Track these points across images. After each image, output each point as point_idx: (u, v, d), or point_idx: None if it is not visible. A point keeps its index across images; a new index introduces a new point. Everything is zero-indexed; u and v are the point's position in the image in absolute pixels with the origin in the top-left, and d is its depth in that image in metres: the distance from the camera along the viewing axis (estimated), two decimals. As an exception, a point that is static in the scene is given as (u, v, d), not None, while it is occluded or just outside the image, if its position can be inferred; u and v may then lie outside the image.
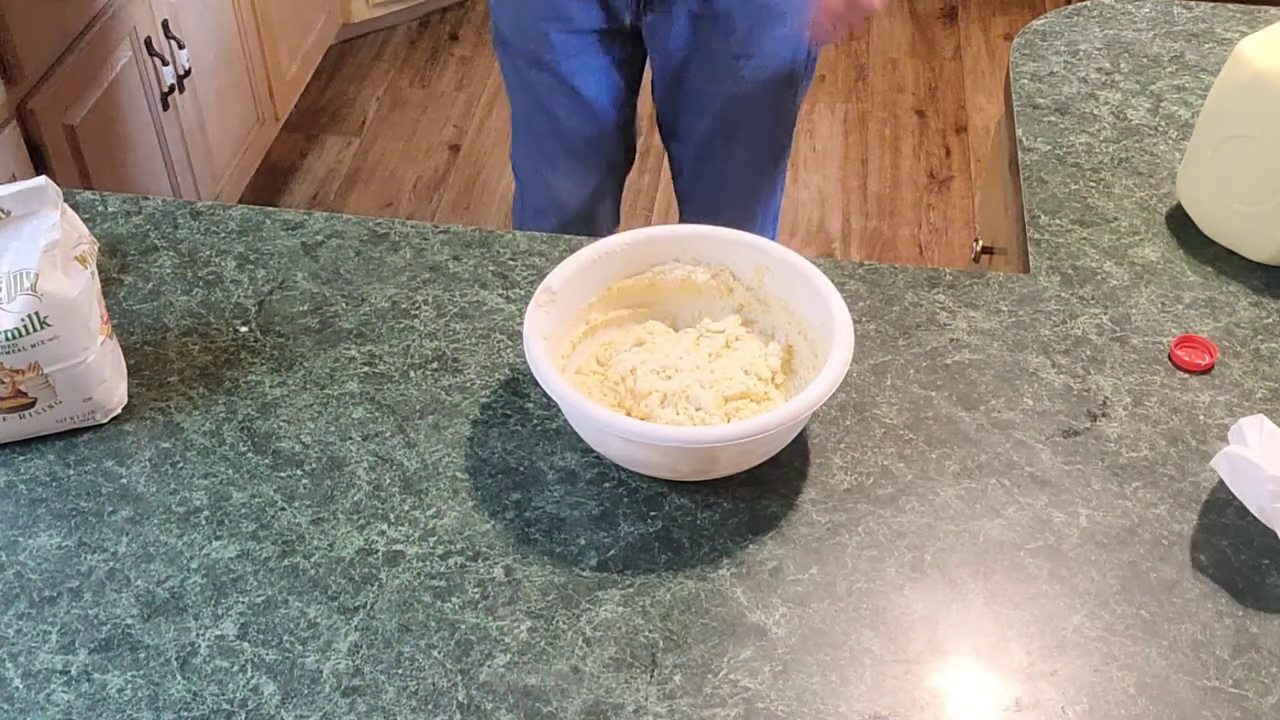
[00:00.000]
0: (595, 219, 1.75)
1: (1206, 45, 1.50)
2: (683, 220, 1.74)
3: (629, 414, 1.01)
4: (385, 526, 0.96)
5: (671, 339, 1.07)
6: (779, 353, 1.05)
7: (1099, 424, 1.04)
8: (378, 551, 0.94)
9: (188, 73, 2.35)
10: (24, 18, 1.88)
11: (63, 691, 0.86)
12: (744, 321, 1.08)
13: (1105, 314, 1.14)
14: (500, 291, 1.15)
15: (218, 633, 0.89)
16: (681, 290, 1.09)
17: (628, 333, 1.08)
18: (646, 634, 0.89)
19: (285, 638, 0.89)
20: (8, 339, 0.94)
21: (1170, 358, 1.10)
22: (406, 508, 0.97)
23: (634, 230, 1.07)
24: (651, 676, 0.87)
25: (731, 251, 1.07)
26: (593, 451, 1.01)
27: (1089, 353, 1.11)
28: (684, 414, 0.99)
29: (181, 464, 1.00)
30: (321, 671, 0.87)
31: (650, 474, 0.99)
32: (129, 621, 0.90)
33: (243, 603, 0.91)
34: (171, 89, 2.30)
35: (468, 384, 1.07)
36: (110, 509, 0.97)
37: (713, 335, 1.07)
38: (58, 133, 1.97)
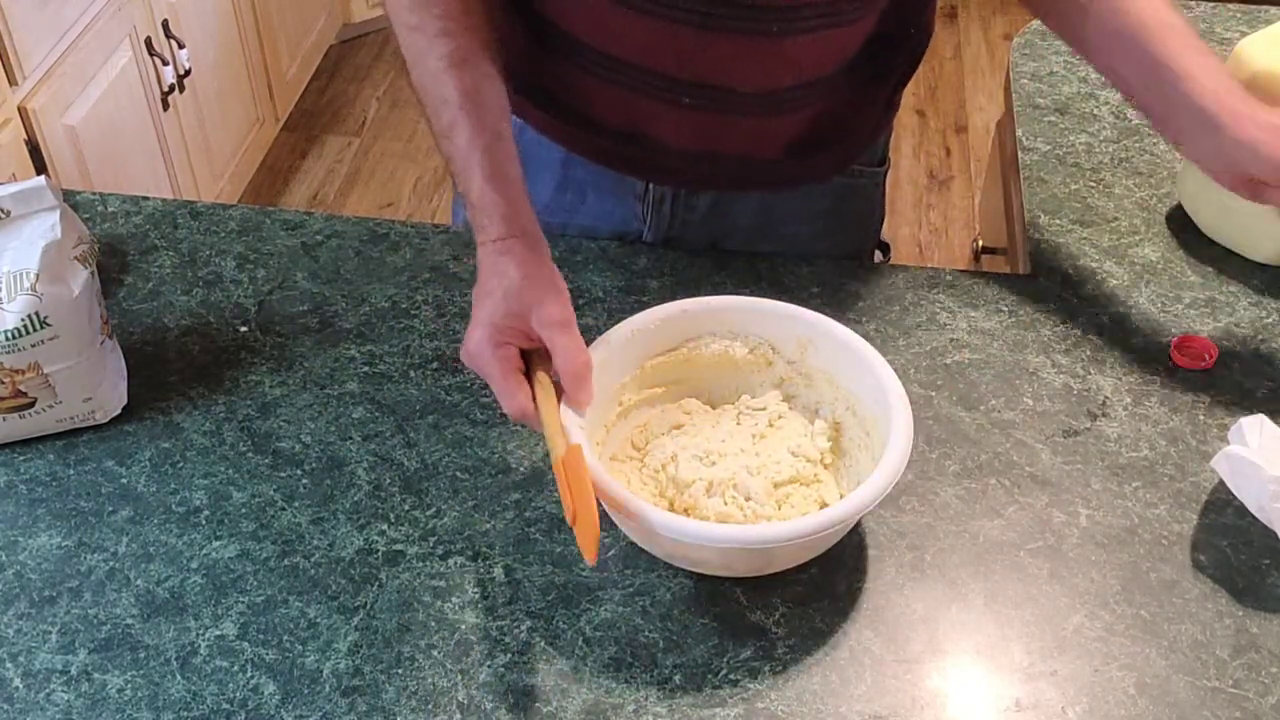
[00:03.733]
0: None
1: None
2: None
3: (671, 505, 0.94)
4: (385, 526, 0.96)
5: (711, 420, 1.00)
6: (826, 431, 0.98)
7: (1099, 424, 1.04)
8: (378, 551, 0.94)
9: (188, 73, 2.35)
10: (24, 18, 1.88)
11: (63, 691, 0.86)
12: (786, 397, 1.01)
13: (1105, 314, 1.14)
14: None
15: (218, 632, 0.89)
16: (718, 365, 1.01)
17: (664, 414, 1.01)
18: (646, 634, 0.89)
19: (285, 638, 0.89)
20: (8, 339, 0.94)
21: (1170, 358, 1.10)
22: (406, 508, 0.97)
23: (667, 304, 1.00)
24: (651, 676, 0.87)
25: (771, 324, 1.00)
26: (593, 451, 1.01)
27: (1089, 353, 1.11)
28: (732, 504, 0.92)
29: (181, 464, 1.00)
30: (321, 671, 0.87)
31: (697, 570, 0.92)
32: (129, 621, 0.90)
33: (243, 603, 0.91)
34: (171, 89, 2.30)
35: (468, 384, 1.07)
36: (110, 509, 0.97)
37: (754, 414, 1.00)
38: (58, 133, 1.97)
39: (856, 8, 1.03)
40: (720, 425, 0.99)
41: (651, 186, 1.18)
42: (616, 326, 0.98)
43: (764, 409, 1.00)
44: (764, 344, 1.01)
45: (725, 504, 0.92)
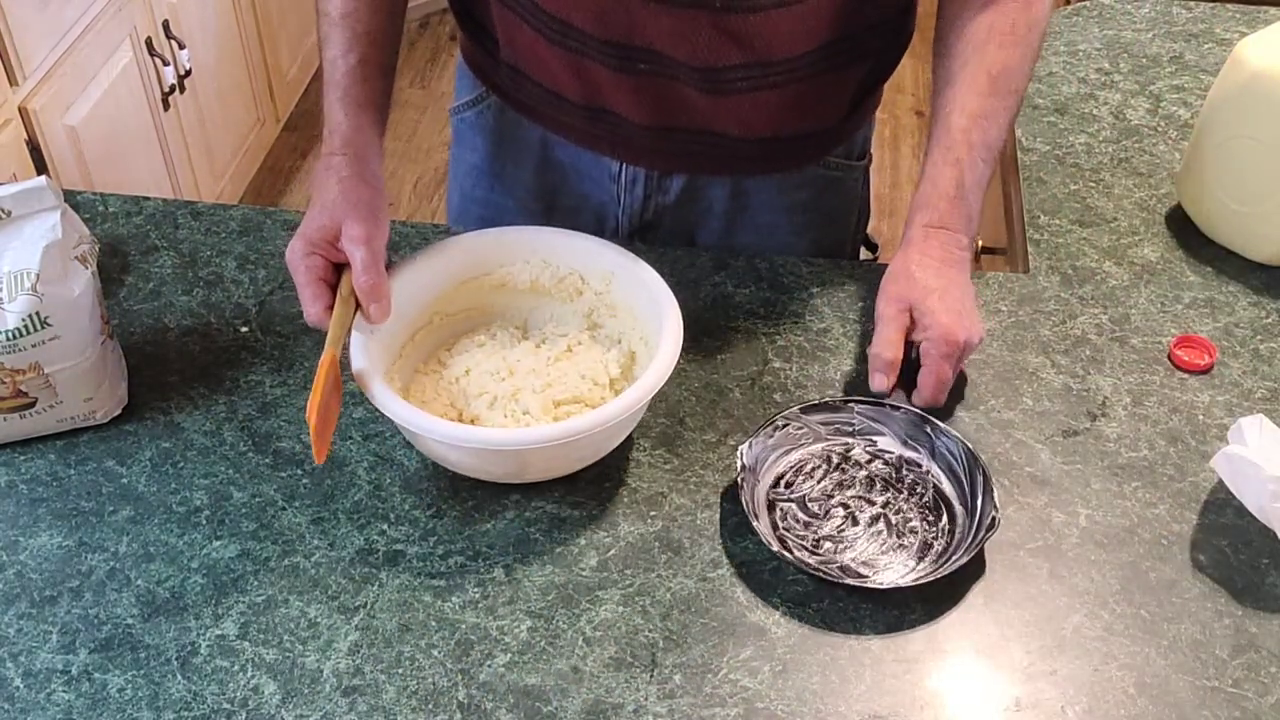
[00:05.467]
0: None
1: (1206, 45, 1.50)
2: None
3: (460, 415, 1.00)
4: (385, 526, 0.96)
5: (512, 340, 1.06)
6: (620, 359, 1.03)
7: (1098, 424, 1.04)
8: (378, 551, 0.94)
9: (188, 73, 2.35)
10: (25, 18, 1.88)
11: (63, 691, 0.86)
12: (591, 326, 1.07)
13: (1105, 314, 1.14)
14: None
15: (218, 632, 0.89)
16: (531, 292, 1.08)
17: (471, 333, 1.08)
18: (646, 634, 0.89)
19: (285, 637, 0.89)
20: (8, 339, 0.94)
21: (1170, 358, 1.10)
22: (406, 508, 0.97)
23: (484, 230, 1.08)
24: (651, 676, 0.87)
25: (582, 255, 1.06)
26: (593, 451, 1.01)
27: (1088, 353, 1.11)
28: (510, 417, 0.99)
29: (182, 464, 1.01)
30: (322, 671, 0.87)
31: (466, 474, 0.98)
32: (129, 621, 0.90)
33: (243, 602, 0.91)
34: (172, 89, 2.30)
35: (468, 384, 1.07)
36: (111, 509, 0.97)
37: (555, 339, 1.06)
38: (58, 133, 1.97)
39: None
40: (519, 346, 1.05)
41: (625, 168, 1.20)
42: (434, 244, 1.06)
43: (565, 335, 1.06)
44: (574, 274, 1.07)
45: (505, 417, 0.99)
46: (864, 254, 1.35)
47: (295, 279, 1.00)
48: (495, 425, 0.98)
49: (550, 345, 1.05)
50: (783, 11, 1.03)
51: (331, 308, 0.98)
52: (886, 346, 1.01)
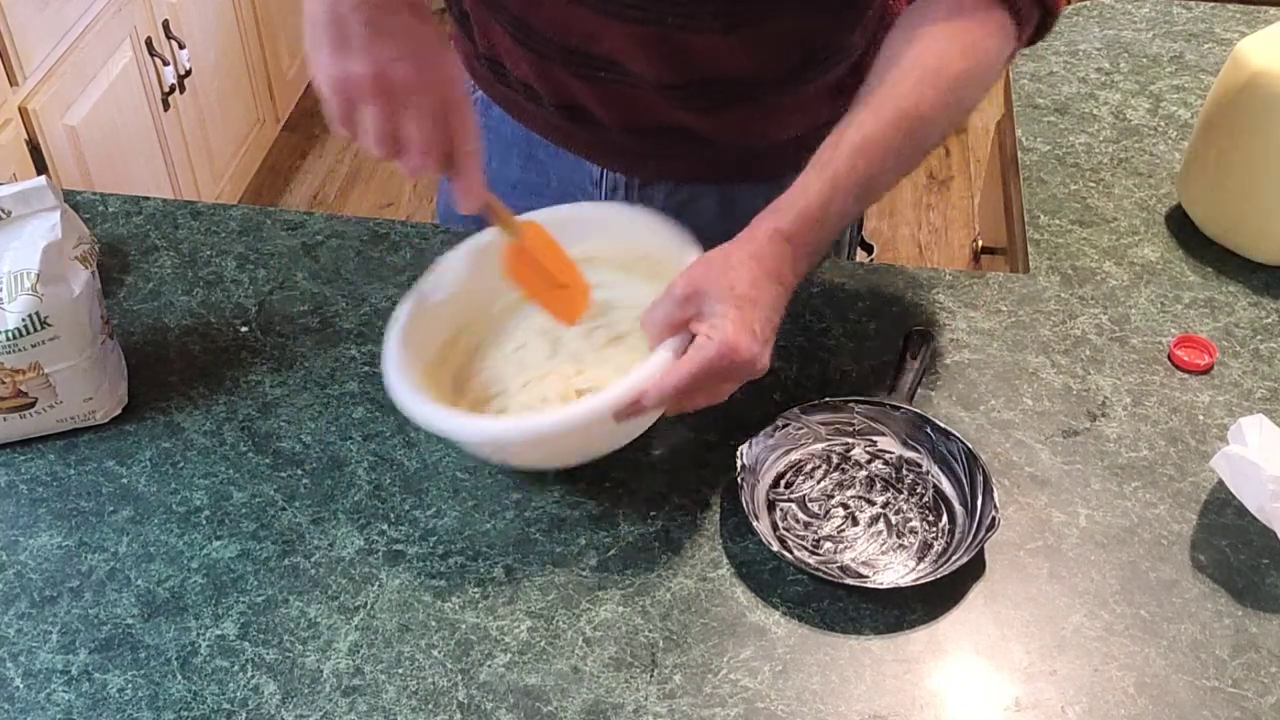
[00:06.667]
0: None
1: (1206, 45, 1.50)
2: None
3: (489, 396, 1.00)
4: (385, 526, 0.96)
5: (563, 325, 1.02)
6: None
7: (1098, 424, 1.04)
8: (378, 551, 0.94)
9: (188, 73, 2.35)
10: (25, 18, 1.88)
11: (63, 691, 0.86)
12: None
13: (1105, 314, 1.14)
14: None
15: (218, 632, 0.89)
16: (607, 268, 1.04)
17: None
18: (646, 634, 0.89)
19: (285, 637, 0.89)
20: (8, 339, 0.94)
21: (1170, 358, 1.10)
22: (406, 508, 0.97)
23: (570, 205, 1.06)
24: (651, 676, 0.87)
25: (662, 238, 1.00)
26: (593, 451, 1.01)
27: (1088, 353, 1.11)
28: (534, 397, 0.98)
29: (182, 464, 1.01)
30: (322, 671, 0.87)
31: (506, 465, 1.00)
32: (129, 621, 0.90)
33: (243, 602, 0.91)
34: (172, 89, 2.31)
35: (468, 384, 1.07)
36: (111, 509, 0.97)
37: (608, 325, 1.02)
38: (58, 133, 1.97)
39: (758, 13, 1.00)
40: (570, 332, 1.02)
41: (605, 174, 1.18)
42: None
43: (617, 322, 1.02)
44: (649, 256, 1.01)
45: (529, 399, 0.98)
46: (860, 255, 1.35)
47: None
48: (517, 408, 0.98)
49: (603, 333, 1.01)
50: (739, 35, 1.01)
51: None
52: (651, 325, 0.91)
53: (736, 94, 1.07)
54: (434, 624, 0.90)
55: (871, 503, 0.98)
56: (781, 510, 0.97)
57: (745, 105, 1.09)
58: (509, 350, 1.03)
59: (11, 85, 1.88)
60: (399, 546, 0.95)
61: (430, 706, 0.85)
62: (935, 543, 0.95)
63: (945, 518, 0.97)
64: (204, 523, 0.96)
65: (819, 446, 1.02)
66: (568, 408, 0.93)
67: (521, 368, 1.01)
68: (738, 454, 0.97)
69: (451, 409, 0.94)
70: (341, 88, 0.88)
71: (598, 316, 1.03)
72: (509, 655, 0.88)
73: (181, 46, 2.32)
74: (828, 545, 0.95)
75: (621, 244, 1.03)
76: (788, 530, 0.96)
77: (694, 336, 0.89)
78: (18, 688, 0.86)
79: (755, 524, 0.93)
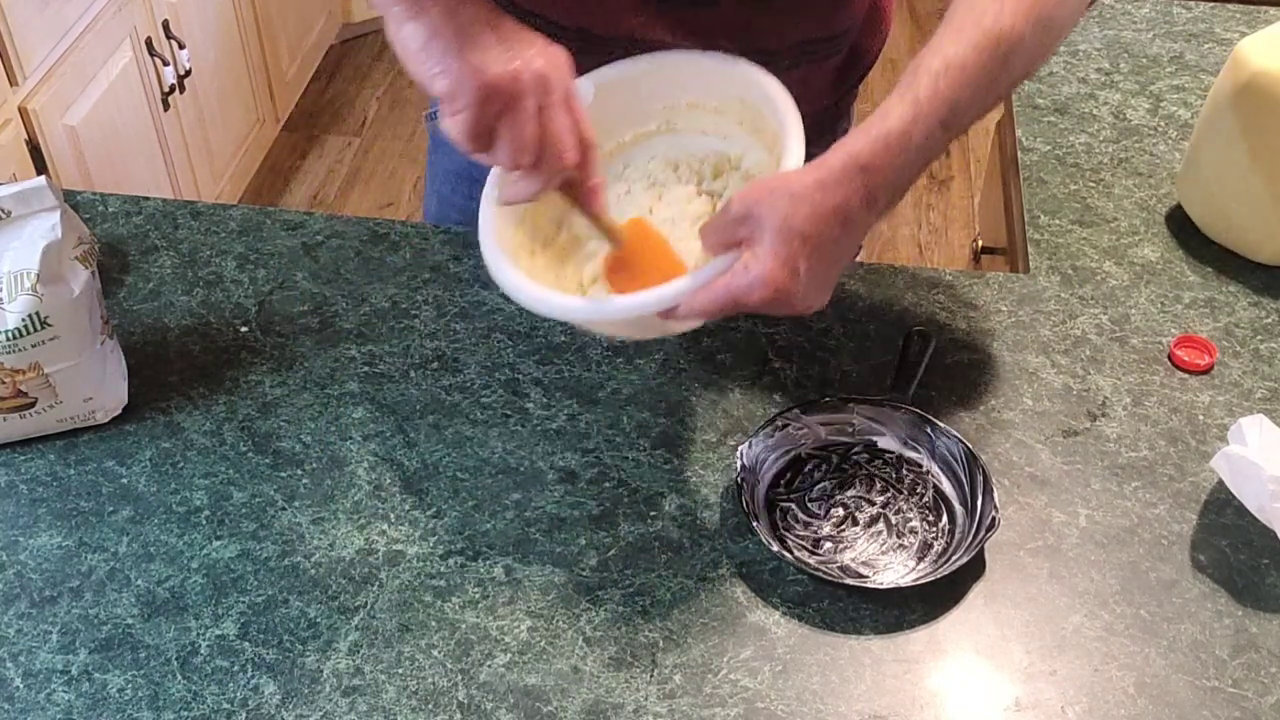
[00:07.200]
0: None
1: (1206, 45, 1.50)
2: None
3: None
4: (385, 526, 0.96)
5: (682, 190, 1.00)
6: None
7: (1098, 424, 1.04)
8: (378, 551, 0.94)
9: (188, 73, 2.35)
10: (24, 18, 1.88)
11: (63, 691, 0.86)
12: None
13: (1105, 314, 1.14)
14: (500, 291, 1.15)
15: (218, 632, 0.89)
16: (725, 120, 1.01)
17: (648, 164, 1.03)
18: (646, 634, 0.89)
19: (285, 637, 0.89)
20: (8, 339, 0.94)
21: (1170, 358, 1.10)
22: (406, 508, 0.97)
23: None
24: (651, 676, 0.87)
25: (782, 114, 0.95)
26: (593, 451, 1.01)
27: (1089, 353, 1.11)
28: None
29: (182, 464, 1.01)
30: (321, 671, 0.87)
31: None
32: (129, 621, 0.90)
33: (243, 602, 0.91)
34: (172, 89, 2.30)
35: (468, 384, 1.07)
36: (111, 509, 0.97)
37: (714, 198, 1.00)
38: (58, 133, 1.97)
39: None
40: (680, 199, 1.00)
41: None
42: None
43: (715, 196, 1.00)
44: (757, 109, 0.98)
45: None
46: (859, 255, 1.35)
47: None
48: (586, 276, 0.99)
49: (703, 203, 1.00)
50: (746, 9, 1.01)
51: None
52: (707, 236, 0.88)
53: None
54: (434, 624, 0.90)
55: (871, 503, 0.98)
56: (781, 510, 0.97)
57: None
58: (612, 196, 0.99)
59: (11, 85, 1.88)
60: (399, 546, 0.95)
61: (430, 706, 0.85)
62: (935, 543, 0.95)
63: (945, 518, 0.97)
64: (204, 523, 0.96)
65: (819, 446, 1.02)
66: (613, 300, 0.92)
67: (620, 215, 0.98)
68: (738, 454, 0.97)
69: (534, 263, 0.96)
70: (489, 89, 0.85)
71: (706, 176, 1.01)
72: (509, 655, 0.88)
73: (181, 46, 2.32)
74: (828, 545, 0.95)
75: (729, 98, 0.99)
76: (787, 530, 0.96)
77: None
78: (18, 688, 0.86)
79: (755, 524, 0.93)
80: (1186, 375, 1.09)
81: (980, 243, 1.58)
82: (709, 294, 0.85)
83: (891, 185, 0.86)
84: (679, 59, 1.01)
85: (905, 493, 0.98)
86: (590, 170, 0.92)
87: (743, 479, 0.96)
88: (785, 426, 1.01)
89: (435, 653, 0.88)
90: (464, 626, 0.90)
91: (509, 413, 1.05)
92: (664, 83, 1.01)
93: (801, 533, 0.96)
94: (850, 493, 0.99)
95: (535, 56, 0.87)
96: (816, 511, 0.97)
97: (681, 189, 1.02)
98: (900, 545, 0.95)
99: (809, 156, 0.92)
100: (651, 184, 1.03)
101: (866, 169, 0.85)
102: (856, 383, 1.07)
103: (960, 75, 0.86)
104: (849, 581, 0.92)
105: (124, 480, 0.99)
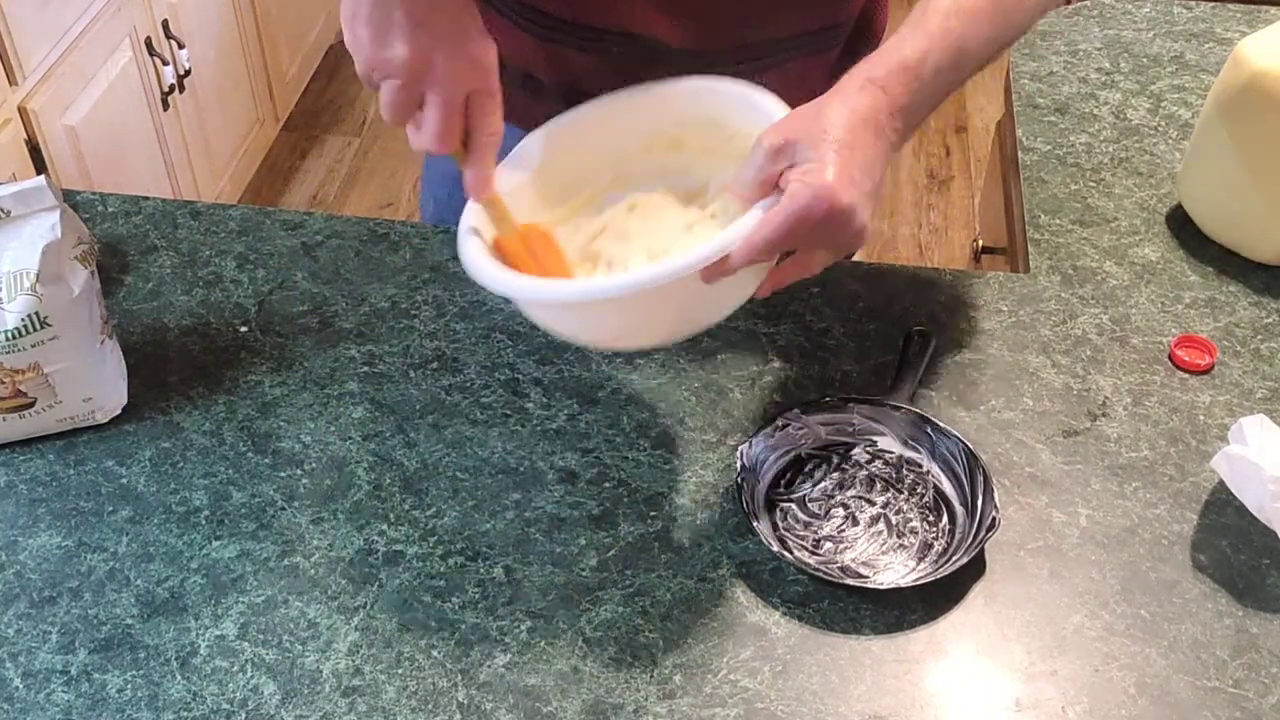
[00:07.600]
0: None
1: (1206, 45, 1.50)
2: None
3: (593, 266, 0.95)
4: (385, 526, 0.96)
5: (674, 205, 0.97)
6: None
7: (1099, 424, 1.04)
8: (378, 551, 0.94)
9: (188, 73, 2.35)
10: (24, 18, 1.88)
11: (63, 691, 0.86)
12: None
13: (1105, 314, 1.14)
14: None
15: (218, 633, 0.89)
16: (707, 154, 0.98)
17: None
18: (646, 634, 0.89)
19: (285, 638, 0.89)
20: (8, 339, 0.94)
21: (1170, 358, 1.10)
22: (406, 508, 0.97)
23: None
24: (651, 676, 0.87)
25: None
26: (593, 451, 1.01)
27: (1089, 353, 1.11)
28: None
29: (181, 464, 1.00)
30: (321, 671, 0.87)
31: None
32: (129, 621, 0.90)
33: (243, 603, 0.91)
34: (171, 89, 2.30)
35: (468, 384, 1.07)
36: (110, 509, 0.97)
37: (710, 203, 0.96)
38: (57, 132, 1.97)
39: None
40: (675, 211, 0.96)
41: None
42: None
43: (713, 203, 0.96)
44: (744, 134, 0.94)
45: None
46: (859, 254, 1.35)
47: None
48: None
49: (699, 211, 0.95)
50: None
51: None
52: (741, 185, 0.85)
53: (740, 65, 1.07)
54: (434, 624, 0.90)
55: (871, 503, 0.98)
56: (781, 510, 0.97)
57: (750, 80, 1.09)
58: (589, 234, 0.97)
59: (11, 85, 1.88)
60: (399, 546, 0.95)
61: (430, 706, 0.85)
62: (935, 543, 0.95)
63: (945, 518, 0.97)
64: (204, 523, 0.96)
65: (819, 446, 1.02)
66: (646, 267, 0.87)
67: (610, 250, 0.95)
68: (738, 454, 0.97)
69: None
70: (376, 68, 0.89)
71: (690, 207, 0.96)
72: (509, 655, 0.88)
73: (181, 46, 2.32)
74: (828, 545, 0.95)
75: (709, 123, 0.96)
76: (788, 530, 0.96)
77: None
78: (17, 688, 0.86)
79: (755, 524, 0.93)
80: (1187, 375, 1.09)
81: (980, 242, 1.58)
82: (767, 225, 0.81)
83: (906, 110, 0.86)
84: (618, 103, 0.99)
85: (905, 493, 0.98)
86: (472, 158, 0.94)
87: (743, 479, 0.96)
88: (785, 426, 1.01)
89: (435, 653, 0.88)
90: (464, 626, 0.90)
91: (509, 413, 1.05)
92: (612, 131, 0.99)
93: (801, 533, 0.96)
94: (850, 493, 0.99)
95: (433, 50, 0.88)
96: (817, 511, 0.97)
97: (667, 208, 0.99)
98: (900, 545, 0.95)
99: None
100: (631, 208, 0.99)
101: (885, 88, 0.85)
102: (856, 383, 1.07)
103: (969, 15, 0.88)
104: (849, 582, 0.92)
105: (123, 480, 0.99)
